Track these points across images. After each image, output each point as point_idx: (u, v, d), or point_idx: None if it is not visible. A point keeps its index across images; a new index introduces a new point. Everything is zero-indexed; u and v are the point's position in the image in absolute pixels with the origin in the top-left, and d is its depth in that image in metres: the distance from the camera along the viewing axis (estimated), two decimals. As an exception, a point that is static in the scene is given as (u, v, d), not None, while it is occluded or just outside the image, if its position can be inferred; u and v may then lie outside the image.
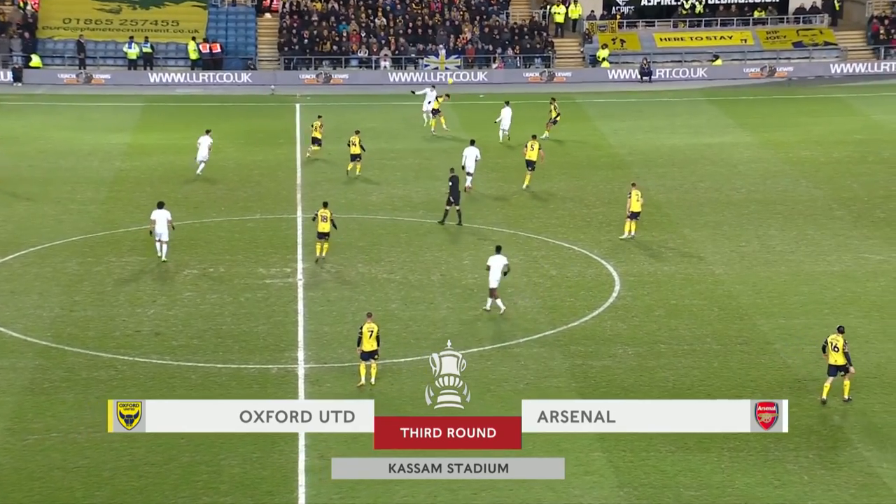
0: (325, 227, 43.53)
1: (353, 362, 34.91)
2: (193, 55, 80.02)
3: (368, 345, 33.91)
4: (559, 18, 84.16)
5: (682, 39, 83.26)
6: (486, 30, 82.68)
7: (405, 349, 36.26)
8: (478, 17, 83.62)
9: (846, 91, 73.48)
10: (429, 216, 49.78)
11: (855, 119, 66.01)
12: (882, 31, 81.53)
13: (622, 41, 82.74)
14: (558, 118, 62.39)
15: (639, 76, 79.43)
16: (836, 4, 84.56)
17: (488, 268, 39.47)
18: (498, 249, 39.96)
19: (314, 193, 52.71)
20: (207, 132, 56.34)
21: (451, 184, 48.16)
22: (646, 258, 45.00)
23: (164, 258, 43.95)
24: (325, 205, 44.25)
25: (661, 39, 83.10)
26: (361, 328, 34.08)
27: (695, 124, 65.30)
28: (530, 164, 53.32)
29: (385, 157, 59.60)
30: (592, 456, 30.41)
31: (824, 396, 33.09)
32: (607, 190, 53.89)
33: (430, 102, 64.31)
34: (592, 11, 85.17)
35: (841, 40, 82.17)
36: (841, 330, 32.97)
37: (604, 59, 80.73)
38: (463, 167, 51.44)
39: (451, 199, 48.17)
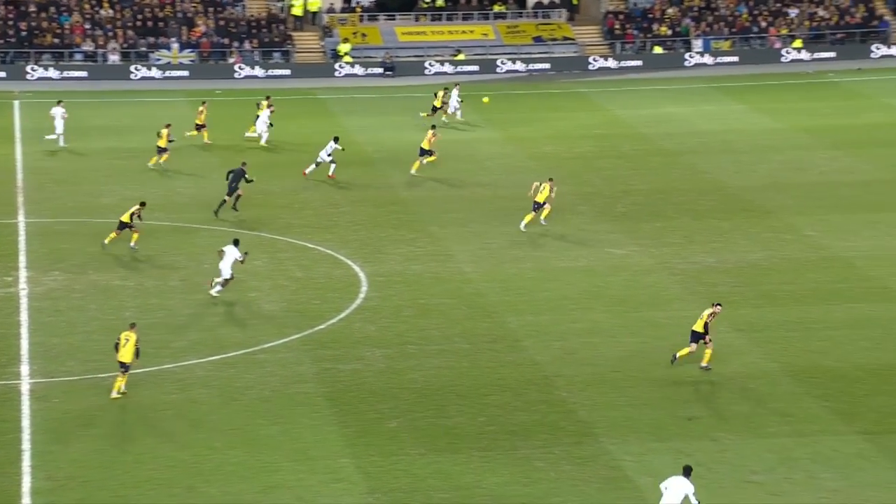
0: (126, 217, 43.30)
1: (86, 375, 33.22)
2: None
3: (121, 355, 32.53)
4: (298, 11, 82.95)
5: (424, 33, 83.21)
6: (222, 22, 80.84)
7: (143, 359, 34.56)
8: (212, 9, 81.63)
9: (587, 86, 74.64)
10: (166, 219, 48.01)
11: (595, 114, 67.07)
12: (617, 26, 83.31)
13: (363, 35, 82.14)
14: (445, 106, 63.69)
15: (382, 71, 78.95)
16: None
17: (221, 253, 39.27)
18: (236, 243, 39.92)
19: (38, 196, 50.33)
20: None
21: (230, 175, 48.06)
22: (394, 258, 44.41)
23: None
24: (143, 204, 43.96)
25: (402, 33, 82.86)
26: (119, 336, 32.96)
27: (441, 120, 65.14)
28: (425, 152, 54.04)
29: (117, 156, 57.50)
30: (341, 462, 29.78)
31: (677, 354, 34.50)
32: (355, 188, 53.10)
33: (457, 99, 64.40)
34: (332, 4, 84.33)
35: (578, 35, 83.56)
36: (717, 304, 34.91)
37: (345, 53, 79.94)
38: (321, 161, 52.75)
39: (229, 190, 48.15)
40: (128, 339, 32.55)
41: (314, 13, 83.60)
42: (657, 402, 33.10)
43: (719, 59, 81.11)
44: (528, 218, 46.93)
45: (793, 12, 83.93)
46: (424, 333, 37.78)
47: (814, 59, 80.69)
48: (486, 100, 63.17)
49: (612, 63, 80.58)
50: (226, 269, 39.63)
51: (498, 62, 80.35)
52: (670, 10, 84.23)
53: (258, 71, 78.18)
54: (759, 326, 38.03)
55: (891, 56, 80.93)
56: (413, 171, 54.30)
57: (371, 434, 31.24)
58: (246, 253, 40.28)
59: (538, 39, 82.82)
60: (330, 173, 53.34)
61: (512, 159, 58.11)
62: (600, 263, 43.92)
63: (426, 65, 79.79)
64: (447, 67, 79.56)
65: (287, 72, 78.67)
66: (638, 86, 75.24)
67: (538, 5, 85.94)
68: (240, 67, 78.07)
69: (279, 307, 39.86)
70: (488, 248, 45.45)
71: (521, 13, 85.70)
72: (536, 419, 32.04)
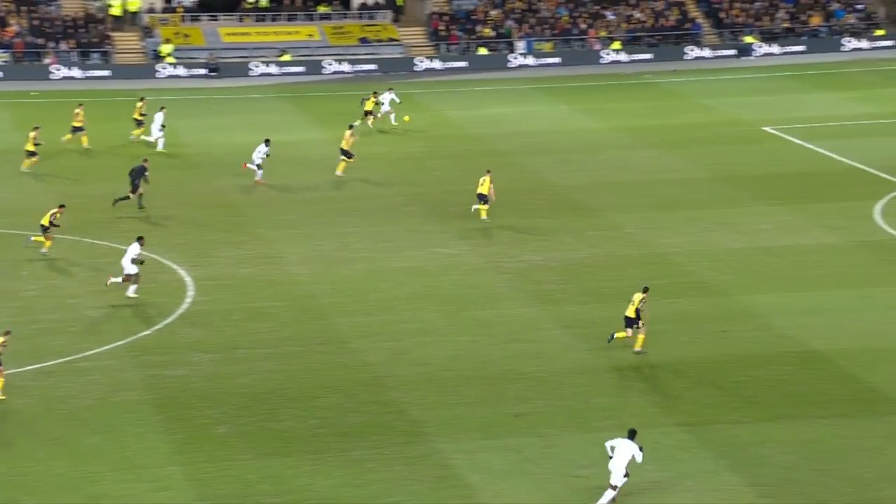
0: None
1: None
2: None
3: None
4: (116, 11, 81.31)
5: (248, 34, 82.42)
6: (36, 22, 78.82)
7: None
8: (25, 9, 79.49)
9: (414, 87, 74.82)
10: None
11: (424, 114, 67.27)
12: (442, 27, 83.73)
13: (186, 35, 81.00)
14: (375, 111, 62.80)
15: (206, 71, 77.96)
16: (398, 0, 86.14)
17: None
18: (139, 240, 40.00)
19: None
20: None
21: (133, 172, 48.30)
22: (222, 261, 43.91)
23: None
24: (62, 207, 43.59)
25: (226, 34, 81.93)
26: None
27: (270, 121, 64.64)
28: (345, 153, 53.95)
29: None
30: (168, 470, 29.33)
31: (616, 335, 36.01)
32: (180, 192, 52.33)
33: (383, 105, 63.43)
34: (152, 5, 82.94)
35: (404, 36, 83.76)
36: (645, 290, 35.95)
37: (167, 54, 78.72)
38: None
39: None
40: None
41: (134, 13, 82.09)
42: (487, 400, 33.37)
43: (542, 61, 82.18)
44: (482, 209, 47.55)
45: (611, 15, 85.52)
46: (254, 337, 37.43)
47: (632, 61, 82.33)
48: (406, 118, 63.48)
49: (437, 64, 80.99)
50: (127, 265, 39.22)
51: (324, 63, 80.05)
52: (493, 12, 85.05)
53: (76, 72, 76.51)
54: (584, 323, 38.61)
55: (703, 58, 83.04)
56: (339, 171, 54.05)
57: (199, 440, 30.83)
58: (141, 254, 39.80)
59: (364, 41, 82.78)
60: (257, 178, 52.77)
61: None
62: (431, 263, 44.08)
63: (251, 66, 79.04)
64: (272, 68, 78.96)
65: (107, 73, 77.15)
66: (464, 87, 75.79)
67: (363, 6, 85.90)
68: (56, 68, 76.29)
69: (101, 314, 39.08)
70: (318, 250, 45.25)
71: (345, 14, 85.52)
72: (368, 420, 32.02)
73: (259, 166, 52.85)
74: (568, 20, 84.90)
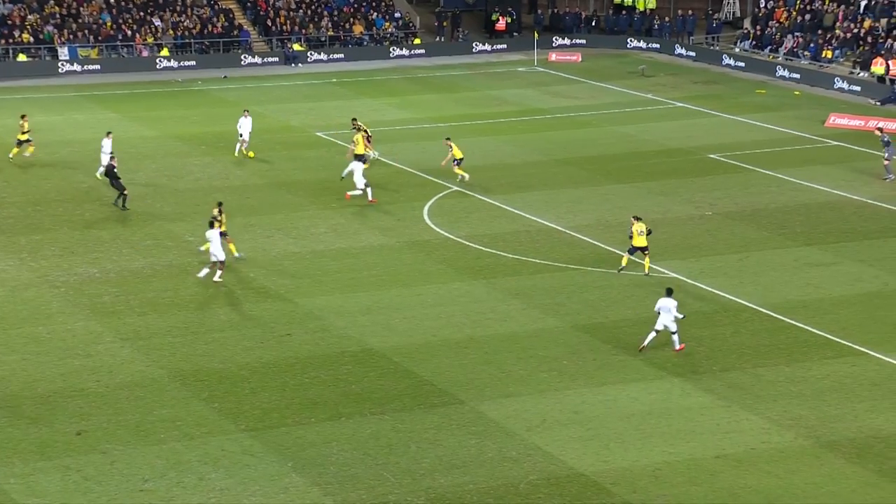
0: None
1: None
2: None
3: None
4: None
5: None
6: None
7: None
8: None
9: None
10: None
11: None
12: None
13: None
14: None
15: None
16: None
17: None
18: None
19: None
20: None
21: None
22: None
23: None
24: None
25: None
26: None
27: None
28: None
29: None
30: None
31: (623, 264, 43.15)
32: None
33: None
34: None
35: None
36: (637, 217, 42.84)
37: None
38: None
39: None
40: None
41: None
42: (42, 420, 32.13)
43: (88, 67, 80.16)
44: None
45: (157, 21, 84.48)
46: None
47: (182, 67, 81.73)
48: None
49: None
50: (218, 251, 41.74)
51: None
52: (31, 17, 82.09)
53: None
54: (144, 334, 37.90)
55: (255, 64, 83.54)
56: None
57: None
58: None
59: None
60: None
61: None
62: (-25, 281, 41.99)
63: None
64: None
65: None
66: (3, 95, 72.70)
67: None
68: None
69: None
70: None
71: None
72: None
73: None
74: (112, 26, 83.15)
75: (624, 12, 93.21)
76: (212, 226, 42.73)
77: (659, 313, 36.42)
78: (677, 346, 36.54)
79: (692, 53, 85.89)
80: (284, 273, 43.65)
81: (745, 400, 33.68)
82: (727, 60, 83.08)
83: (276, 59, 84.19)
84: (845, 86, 75.10)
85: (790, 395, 33.98)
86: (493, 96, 74.83)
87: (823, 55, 79.80)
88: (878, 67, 74.69)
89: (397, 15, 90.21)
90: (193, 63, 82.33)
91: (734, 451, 30.86)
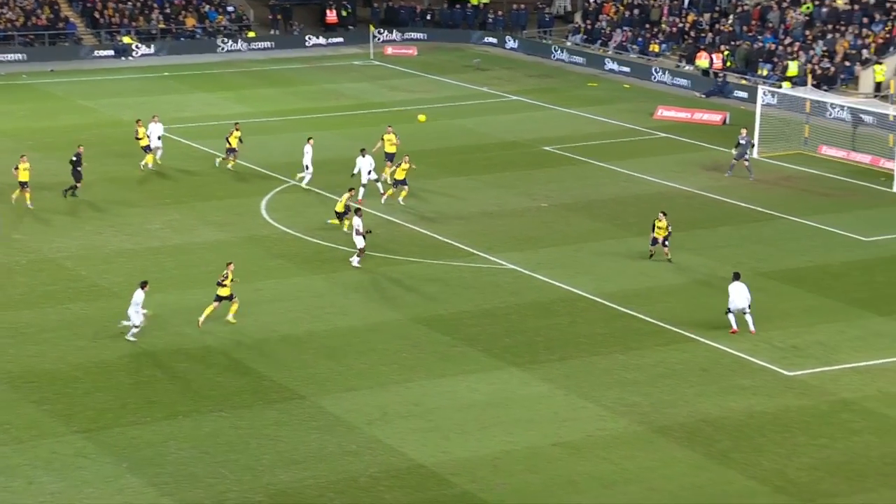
0: None
1: None
2: None
3: None
4: None
5: None
6: None
7: None
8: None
9: None
10: None
11: None
12: None
13: None
14: None
15: None
16: None
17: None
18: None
19: None
20: None
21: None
22: None
23: None
24: None
25: None
26: None
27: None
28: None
29: None
30: None
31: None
32: None
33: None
34: None
35: None
36: (665, 213, 43.89)
37: None
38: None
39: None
40: None
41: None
42: None
43: None
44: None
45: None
46: None
47: (5, 62, 79.69)
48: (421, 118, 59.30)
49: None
50: (359, 240, 42.70)
51: None
52: None
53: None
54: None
55: (82, 58, 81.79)
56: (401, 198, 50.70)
57: None
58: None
59: None
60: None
61: None
62: None
63: None
64: None
65: None
66: None
67: None
68: None
69: None
70: None
71: None
72: None
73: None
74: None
75: (458, 6, 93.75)
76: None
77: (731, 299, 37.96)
78: (751, 328, 37.75)
79: (525, 47, 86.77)
80: (117, 271, 42.82)
81: (583, 388, 34.15)
82: (559, 54, 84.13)
83: (107, 52, 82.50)
84: (671, 79, 76.67)
85: (625, 383, 34.55)
86: (330, 90, 74.55)
87: (651, 49, 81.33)
88: (702, 61, 76.36)
89: (230, 8, 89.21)
90: (18, 56, 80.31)
91: (572, 439, 31.26)
